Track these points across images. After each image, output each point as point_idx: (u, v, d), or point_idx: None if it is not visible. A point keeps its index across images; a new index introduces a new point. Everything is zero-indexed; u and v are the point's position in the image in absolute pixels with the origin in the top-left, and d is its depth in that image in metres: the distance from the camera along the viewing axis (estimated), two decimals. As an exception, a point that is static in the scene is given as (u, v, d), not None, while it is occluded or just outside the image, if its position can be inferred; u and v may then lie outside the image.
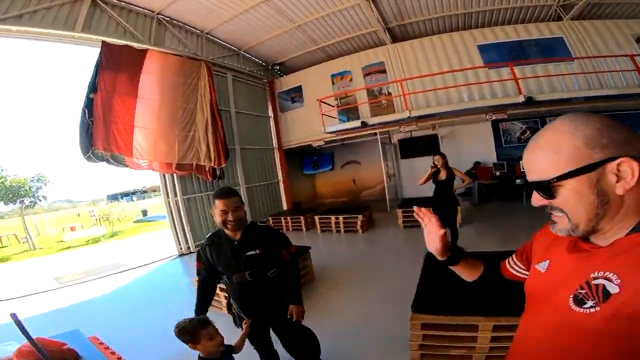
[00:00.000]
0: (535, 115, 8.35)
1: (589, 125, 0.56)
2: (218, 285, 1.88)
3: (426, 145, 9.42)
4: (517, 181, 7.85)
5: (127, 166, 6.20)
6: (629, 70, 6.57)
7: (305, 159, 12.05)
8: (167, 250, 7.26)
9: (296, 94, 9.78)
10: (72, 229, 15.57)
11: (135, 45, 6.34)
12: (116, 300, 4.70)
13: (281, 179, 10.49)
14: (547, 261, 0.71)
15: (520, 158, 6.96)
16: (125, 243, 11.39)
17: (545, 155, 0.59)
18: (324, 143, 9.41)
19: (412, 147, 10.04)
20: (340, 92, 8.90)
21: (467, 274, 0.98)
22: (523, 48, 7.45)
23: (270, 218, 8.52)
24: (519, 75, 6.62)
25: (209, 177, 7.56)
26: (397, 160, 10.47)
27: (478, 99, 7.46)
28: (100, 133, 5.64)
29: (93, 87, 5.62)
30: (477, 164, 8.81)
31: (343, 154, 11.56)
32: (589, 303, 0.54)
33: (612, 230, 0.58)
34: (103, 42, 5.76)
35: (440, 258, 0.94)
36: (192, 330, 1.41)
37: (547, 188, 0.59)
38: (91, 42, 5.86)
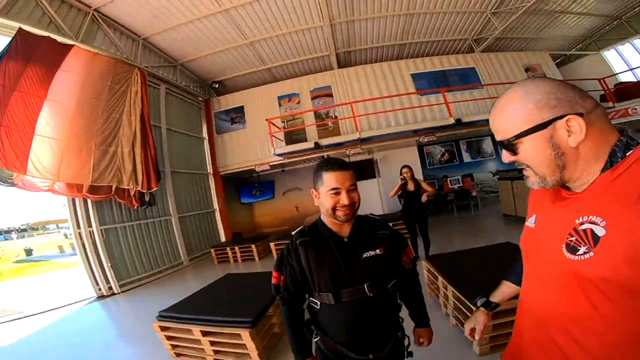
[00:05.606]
0: (452, 138, 9.79)
1: (538, 89, 0.63)
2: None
3: (364, 169, 9.74)
4: (449, 197, 9.06)
5: (13, 185, 4.50)
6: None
7: (243, 187, 11.13)
8: (80, 293, 5.54)
9: (237, 114, 9.17)
10: None
11: (58, 39, 5.23)
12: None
13: (217, 208, 9.35)
14: (534, 216, 0.76)
15: (444, 177, 7.96)
16: (7, 285, 9.42)
17: (504, 119, 0.67)
18: (269, 167, 8.87)
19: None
20: (288, 114, 8.73)
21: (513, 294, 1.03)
22: (446, 76, 8.84)
23: (212, 250, 7.26)
24: (448, 100, 7.63)
25: (134, 203, 6.10)
26: (339, 184, 10.53)
27: (412, 122, 8.27)
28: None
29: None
30: (444, 177, 9.71)
31: (284, 181, 11.15)
32: (582, 249, 0.58)
33: (582, 177, 0.63)
34: (19, 28, 4.68)
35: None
36: None
37: (510, 145, 0.67)
38: (6, 30, 4.76)
